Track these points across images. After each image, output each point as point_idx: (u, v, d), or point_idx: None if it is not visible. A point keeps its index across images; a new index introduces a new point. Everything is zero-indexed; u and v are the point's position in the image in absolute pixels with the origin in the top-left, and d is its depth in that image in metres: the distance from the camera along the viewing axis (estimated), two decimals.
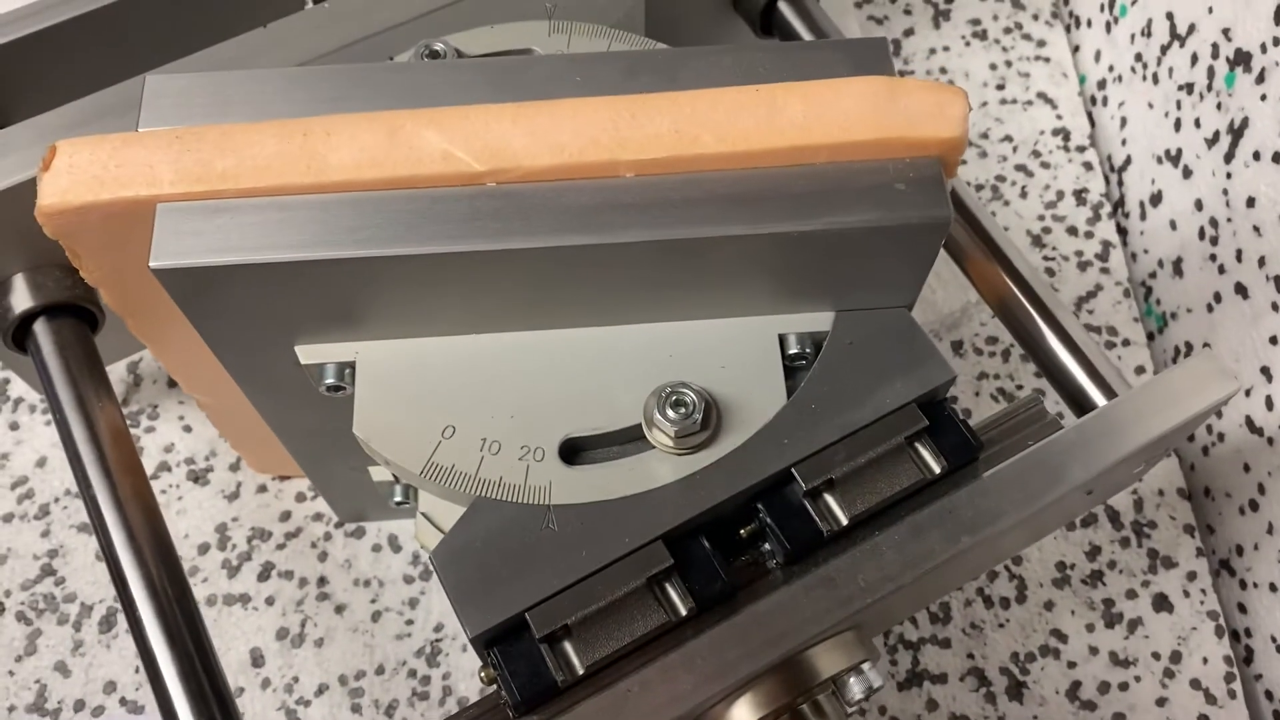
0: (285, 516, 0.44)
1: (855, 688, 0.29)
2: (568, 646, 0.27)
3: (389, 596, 0.42)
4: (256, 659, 0.41)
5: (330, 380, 0.30)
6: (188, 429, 0.45)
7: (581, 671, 0.27)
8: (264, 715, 0.40)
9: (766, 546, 0.30)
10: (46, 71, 0.37)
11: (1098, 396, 0.35)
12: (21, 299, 0.35)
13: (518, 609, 0.27)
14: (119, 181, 0.27)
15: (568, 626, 0.27)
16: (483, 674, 0.28)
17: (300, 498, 0.44)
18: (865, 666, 0.29)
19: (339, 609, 0.42)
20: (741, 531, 0.30)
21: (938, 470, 0.29)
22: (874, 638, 0.38)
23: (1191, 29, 0.44)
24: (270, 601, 0.42)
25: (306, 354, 0.30)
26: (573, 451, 0.29)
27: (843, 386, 0.30)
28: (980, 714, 0.41)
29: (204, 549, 0.43)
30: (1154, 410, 0.31)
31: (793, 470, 0.29)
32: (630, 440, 0.29)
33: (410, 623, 0.42)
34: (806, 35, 0.42)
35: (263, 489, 0.44)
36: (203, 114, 0.28)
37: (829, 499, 0.29)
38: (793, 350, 0.30)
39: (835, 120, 0.27)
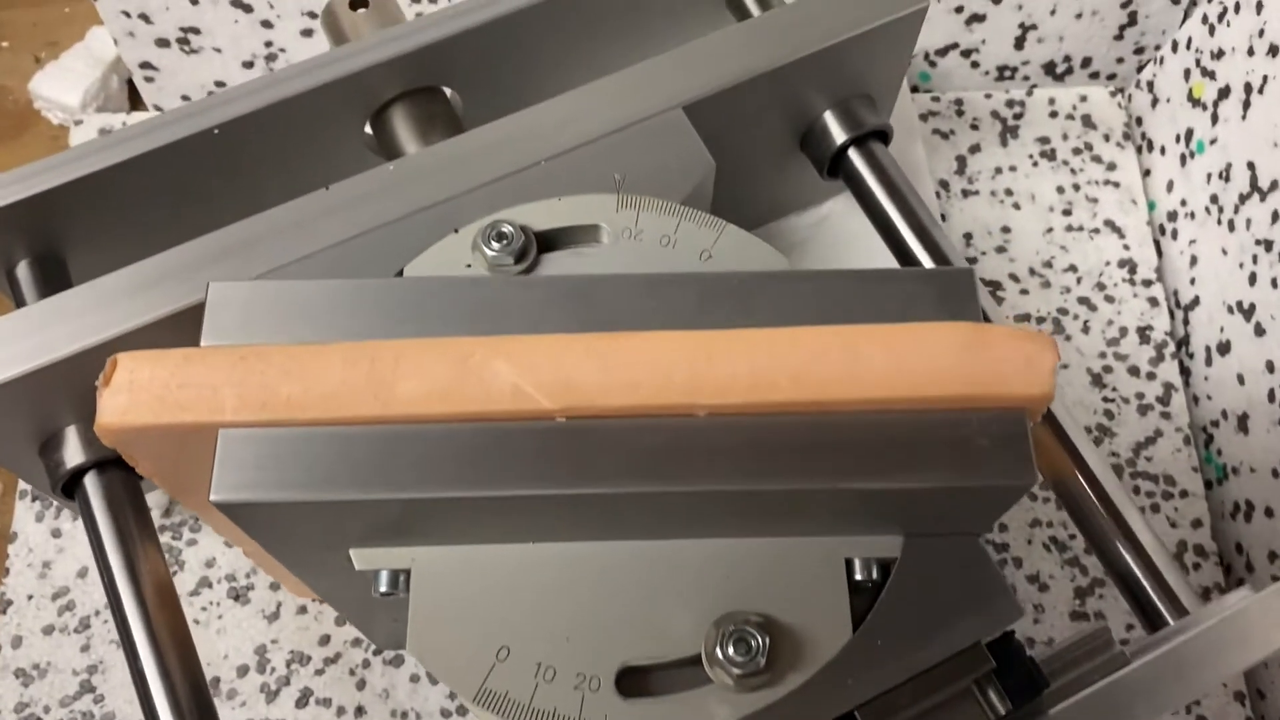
0: (324, 640, 0.43)
1: None
2: None
3: None
4: None
5: (384, 588, 0.29)
6: (229, 544, 0.45)
7: None
8: None
9: None
10: (102, 213, 0.37)
11: (1162, 606, 0.34)
12: (73, 454, 0.35)
13: None
14: (181, 405, 0.26)
15: None
16: None
17: (340, 621, 0.44)
18: None
19: None
20: None
21: (1002, 711, 0.29)
22: None
23: (1275, 185, 0.42)
24: None
25: (362, 559, 0.29)
26: (628, 678, 0.29)
27: (910, 621, 0.29)
28: None
29: (243, 671, 0.43)
30: (1226, 649, 0.30)
31: (856, 714, 0.28)
32: (688, 666, 0.29)
33: None
34: (874, 184, 0.40)
35: (302, 610, 0.44)
36: (267, 328, 0.27)
37: None
38: (859, 576, 0.30)
39: (918, 372, 0.26)
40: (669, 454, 0.26)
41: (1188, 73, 0.48)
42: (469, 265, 0.33)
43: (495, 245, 0.32)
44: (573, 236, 0.34)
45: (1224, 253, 0.46)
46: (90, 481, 0.35)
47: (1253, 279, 0.44)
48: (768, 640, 0.28)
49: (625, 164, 0.35)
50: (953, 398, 0.26)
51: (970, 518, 0.29)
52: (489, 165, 0.35)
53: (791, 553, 0.30)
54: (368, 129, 0.41)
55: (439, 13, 0.38)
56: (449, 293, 0.28)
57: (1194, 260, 0.48)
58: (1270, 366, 0.43)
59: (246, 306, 0.28)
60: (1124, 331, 0.48)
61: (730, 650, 0.28)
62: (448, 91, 0.41)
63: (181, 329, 0.33)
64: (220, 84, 0.52)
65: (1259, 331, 0.43)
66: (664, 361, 0.27)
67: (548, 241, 0.34)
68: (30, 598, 0.44)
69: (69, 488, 0.35)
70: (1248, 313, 0.44)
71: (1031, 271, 0.49)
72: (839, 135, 0.40)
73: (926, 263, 0.40)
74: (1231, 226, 0.45)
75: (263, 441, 0.26)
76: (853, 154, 0.41)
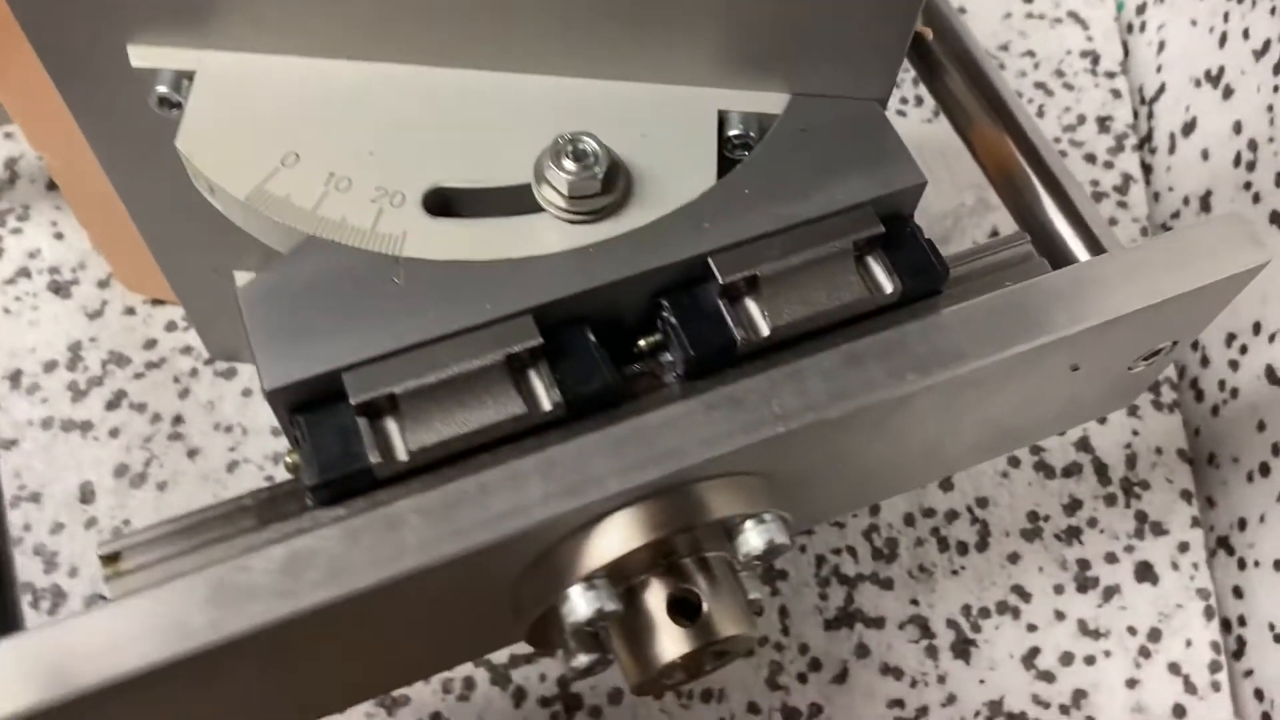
0: (150, 344, 0.38)
1: (753, 538, 0.23)
2: (393, 425, 0.22)
3: (251, 447, 0.36)
4: (86, 494, 0.35)
5: (163, 89, 0.24)
6: (59, 236, 0.40)
7: (405, 458, 0.21)
8: (82, 556, 0.34)
9: (668, 357, 0.24)
10: None
11: (1074, 245, 0.29)
12: None
13: (333, 365, 0.21)
14: None
15: (395, 399, 0.21)
16: (288, 458, 0.22)
17: (171, 327, 0.38)
18: (768, 517, 0.23)
19: (191, 453, 0.36)
20: (641, 342, 0.24)
21: (889, 290, 0.24)
22: (795, 533, 0.32)
23: None
24: (114, 434, 0.36)
25: (140, 55, 0.24)
26: (441, 205, 0.24)
27: (786, 174, 0.24)
28: (918, 669, 0.35)
29: (50, 366, 0.37)
30: (1161, 269, 0.25)
31: (710, 260, 0.23)
32: (513, 193, 0.24)
33: (270, 479, 0.36)
34: None
35: (131, 311, 0.38)
36: None
37: (750, 303, 0.23)
38: (734, 131, 0.25)
39: None
40: None
41: None
42: None
43: None
44: None
45: (1193, 24, 0.42)
46: None
47: (1223, 39, 0.40)
48: (609, 157, 0.23)
49: None
50: None
51: (862, 59, 0.24)
52: None
53: (656, 98, 0.25)
54: None
55: None
56: None
57: (1162, 46, 0.44)
58: (1237, 127, 0.38)
59: None
60: (1082, 119, 0.44)
61: (564, 161, 0.23)
62: None
63: None
64: None
65: (1227, 94, 0.39)
66: None
67: None
68: None
69: None
70: (1215, 79, 0.40)
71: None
72: None
73: None
74: None
75: None
76: None
